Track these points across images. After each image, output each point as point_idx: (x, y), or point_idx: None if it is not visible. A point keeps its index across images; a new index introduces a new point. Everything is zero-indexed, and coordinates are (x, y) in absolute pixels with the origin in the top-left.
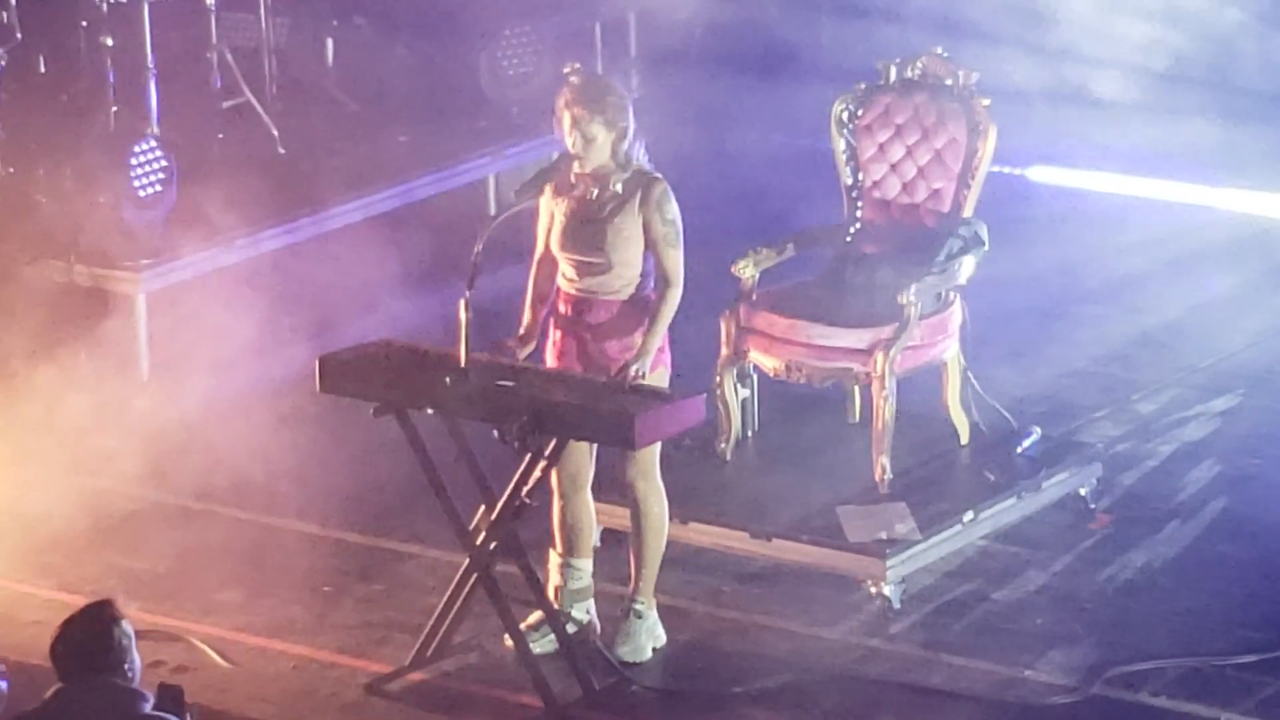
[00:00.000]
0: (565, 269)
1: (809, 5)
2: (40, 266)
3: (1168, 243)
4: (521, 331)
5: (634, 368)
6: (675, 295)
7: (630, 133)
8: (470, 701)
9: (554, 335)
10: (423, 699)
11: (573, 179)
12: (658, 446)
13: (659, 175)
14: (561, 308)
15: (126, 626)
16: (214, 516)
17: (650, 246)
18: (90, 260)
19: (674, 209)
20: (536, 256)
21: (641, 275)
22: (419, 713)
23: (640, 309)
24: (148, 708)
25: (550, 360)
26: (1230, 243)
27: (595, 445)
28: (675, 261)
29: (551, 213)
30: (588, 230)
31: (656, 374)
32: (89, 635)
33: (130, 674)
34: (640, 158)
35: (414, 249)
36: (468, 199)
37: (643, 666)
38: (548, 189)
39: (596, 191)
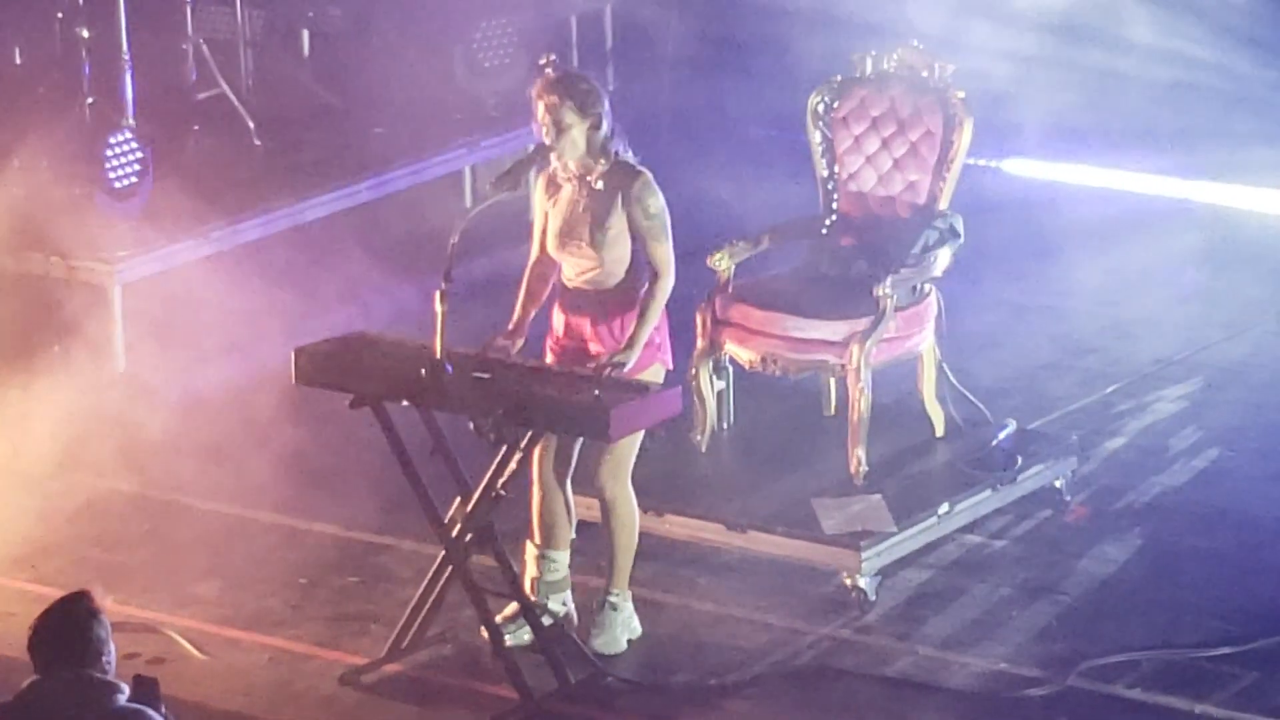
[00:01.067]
0: (564, 267)
1: None
2: (15, 258)
3: (1143, 235)
4: (510, 327)
5: (618, 358)
6: (665, 287)
7: (605, 122)
8: (445, 693)
9: (555, 330)
10: (398, 691)
11: (561, 179)
12: (635, 450)
13: (641, 168)
14: (560, 302)
15: (104, 619)
16: (190, 509)
17: (637, 240)
18: (65, 252)
19: (658, 201)
20: (532, 256)
21: (636, 271)
22: (394, 704)
23: (635, 304)
24: (123, 700)
25: (550, 355)
26: (1205, 236)
27: (578, 439)
28: (663, 253)
29: (545, 213)
30: (578, 231)
31: (651, 370)
32: (65, 627)
33: (107, 666)
34: (622, 152)
35: (389, 241)
36: (443, 191)
37: (618, 658)
38: (540, 190)
39: (582, 190)
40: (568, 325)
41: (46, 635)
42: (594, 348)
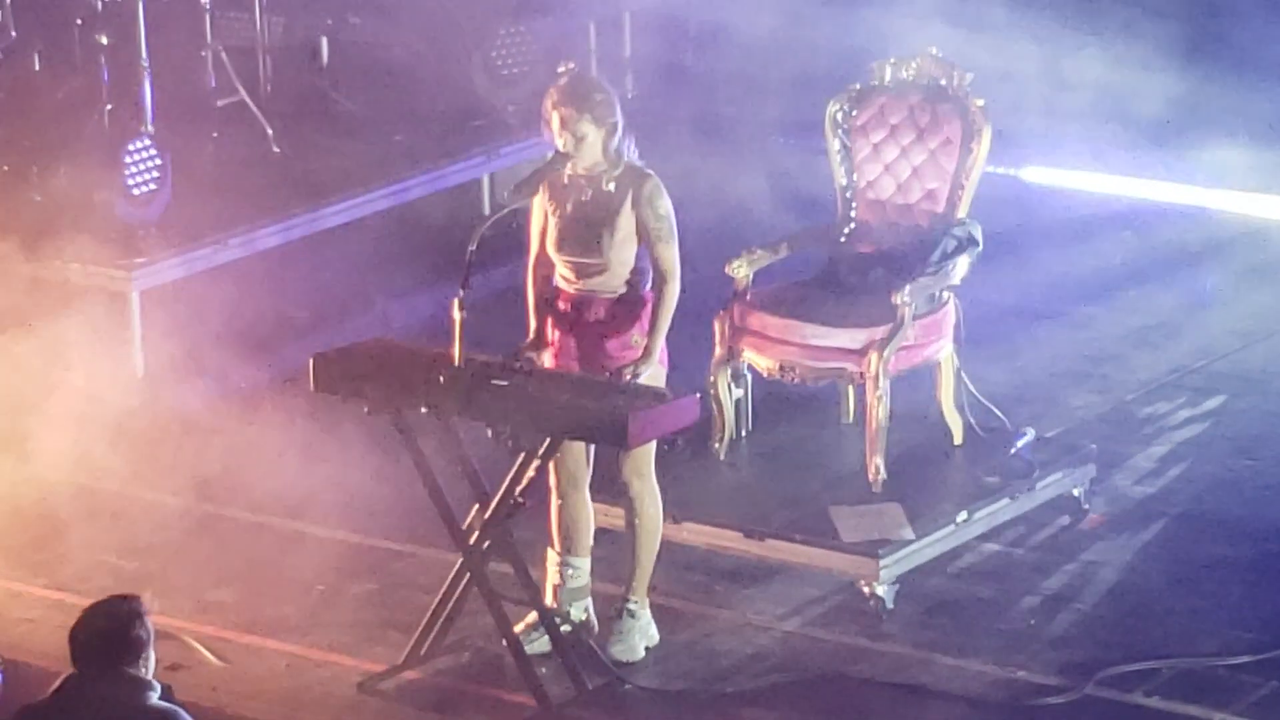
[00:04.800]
0: (563, 270)
1: (804, 4)
2: (34, 264)
3: (1161, 243)
4: (531, 337)
5: (638, 368)
6: (674, 290)
7: (620, 129)
8: (463, 700)
9: (552, 334)
10: (416, 698)
11: (566, 180)
12: (653, 446)
13: (650, 171)
14: (561, 306)
15: (148, 622)
16: (208, 515)
17: (645, 242)
18: (84, 258)
19: (666, 204)
20: (531, 259)
21: (639, 273)
22: (412, 711)
23: (638, 306)
24: (155, 698)
25: (549, 360)
26: (1224, 243)
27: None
28: (671, 256)
29: (545, 214)
30: (585, 231)
31: (653, 372)
32: (107, 622)
33: (144, 669)
34: (631, 154)
35: (408, 248)
36: (462, 199)
37: (636, 666)
38: (541, 190)
39: (591, 192)
40: (566, 331)
41: (88, 628)
42: (595, 352)
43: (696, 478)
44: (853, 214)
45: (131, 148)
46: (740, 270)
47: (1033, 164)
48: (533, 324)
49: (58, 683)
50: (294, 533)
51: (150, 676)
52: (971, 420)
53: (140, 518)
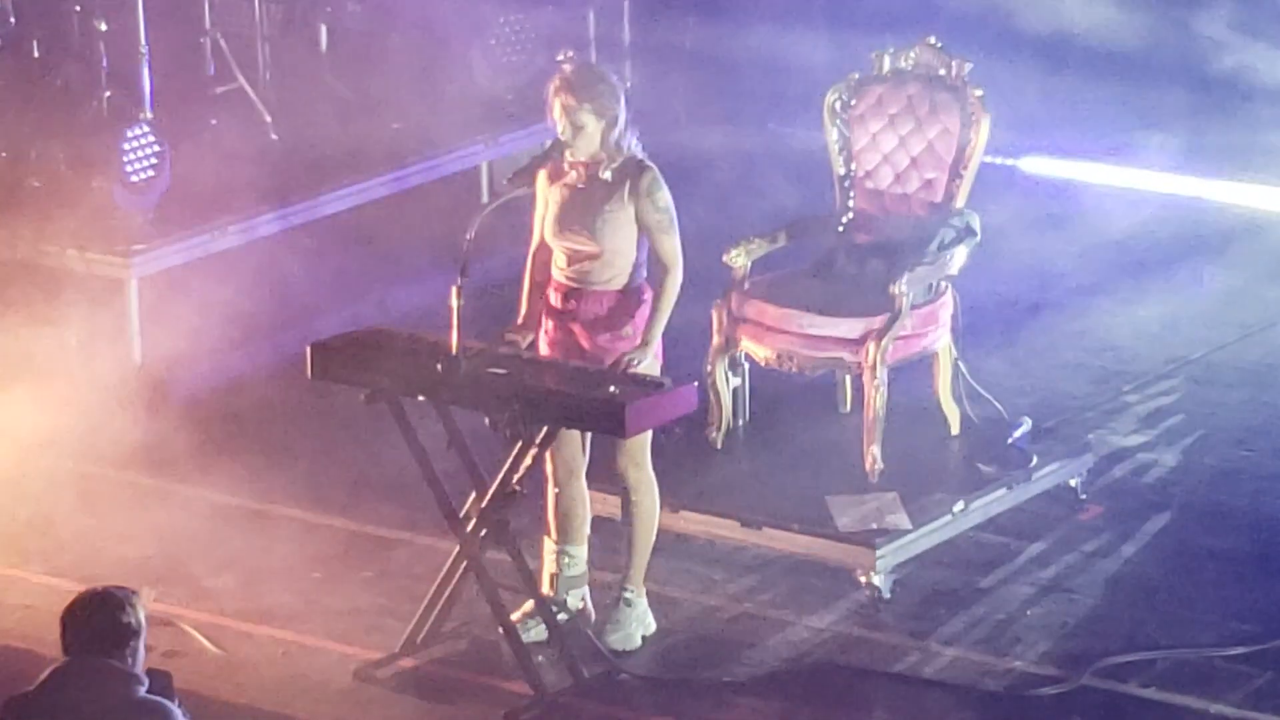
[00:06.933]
0: (557, 256)
1: None
2: (32, 250)
3: (1160, 234)
4: (520, 321)
5: (634, 355)
6: (675, 281)
7: (621, 121)
8: (460, 688)
9: (546, 325)
10: (412, 685)
11: (566, 166)
12: (649, 435)
13: (649, 163)
14: (553, 298)
15: (138, 613)
16: (205, 502)
17: (645, 234)
18: (82, 244)
19: (665, 196)
20: (533, 245)
21: (634, 266)
22: (408, 699)
23: (632, 300)
24: (143, 691)
25: (543, 350)
26: (1223, 235)
27: (589, 432)
28: (672, 248)
29: (546, 199)
30: (577, 217)
31: (646, 362)
32: (99, 613)
33: (130, 658)
34: (633, 147)
35: (406, 236)
36: (460, 186)
37: (632, 655)
38: (543, 176)
39: (587, 179)
40: (558, 323)
41: (78, 615)
42: (588, 345)
43: (693, 467)
44: (851, 204)
45: (130, 134)
46: (738, 259)
47: (1031, 154)
48: (523, 308)
49: (44, 674)
50: (291, 520)
51: (137, 664)
52: (969, 410)
53: (138, 504)
